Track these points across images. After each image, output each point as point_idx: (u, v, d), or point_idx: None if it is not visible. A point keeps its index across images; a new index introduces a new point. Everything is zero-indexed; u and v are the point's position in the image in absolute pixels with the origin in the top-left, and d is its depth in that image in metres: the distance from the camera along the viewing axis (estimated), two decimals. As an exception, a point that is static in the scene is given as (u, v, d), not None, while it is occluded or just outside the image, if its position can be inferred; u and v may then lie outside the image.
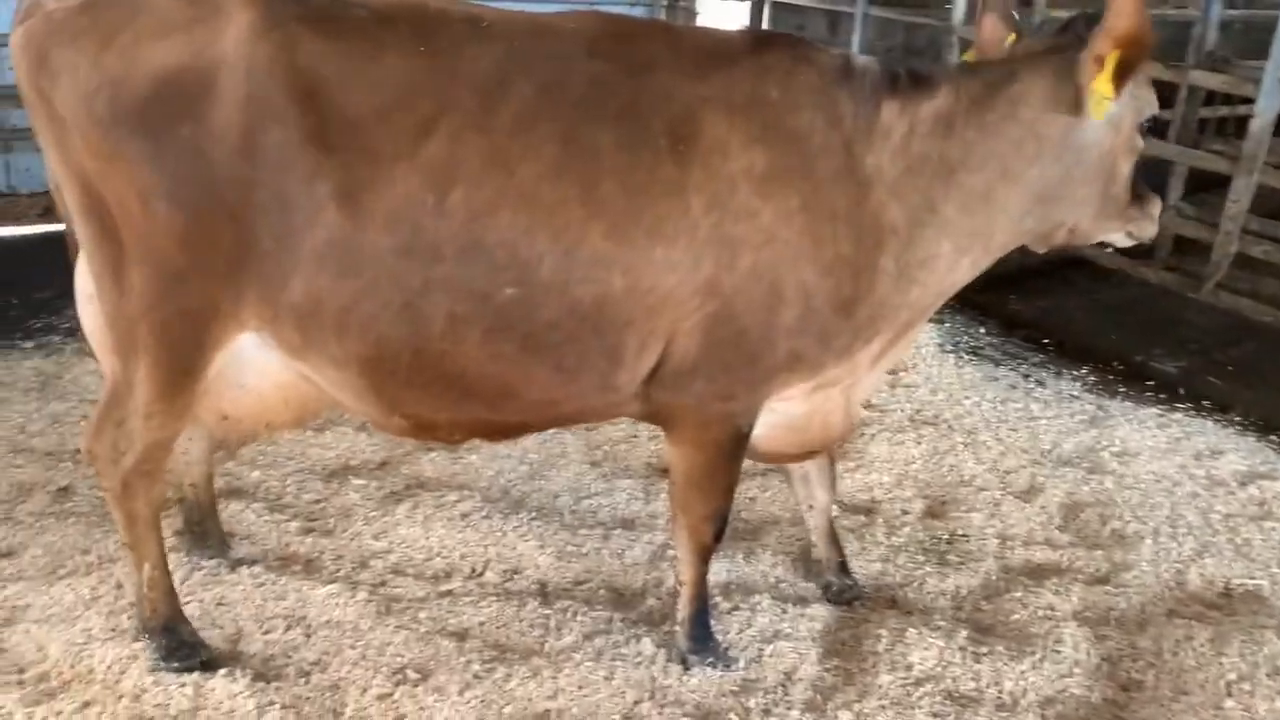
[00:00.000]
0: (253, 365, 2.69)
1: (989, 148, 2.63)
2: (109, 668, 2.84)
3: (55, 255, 5.89)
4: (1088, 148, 2.66)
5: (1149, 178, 7.23)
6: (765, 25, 8.86)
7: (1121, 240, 2.93)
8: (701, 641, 2.97)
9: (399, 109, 2.44)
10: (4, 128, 6.37)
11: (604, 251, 2.48)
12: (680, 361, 2.62)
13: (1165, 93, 6.67)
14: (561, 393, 2.68)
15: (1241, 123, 4.76)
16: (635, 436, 4.32)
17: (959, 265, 2.76)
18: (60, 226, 2.88)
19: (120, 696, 2.74)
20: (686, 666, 2.93)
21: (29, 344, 4.89)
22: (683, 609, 2.96)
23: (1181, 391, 5.18)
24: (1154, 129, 6.40)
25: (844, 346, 2.71)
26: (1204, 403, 5.06)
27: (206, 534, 3.34)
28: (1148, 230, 2.90)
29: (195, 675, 2.78)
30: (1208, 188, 6.02)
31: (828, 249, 2.57)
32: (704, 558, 2.94)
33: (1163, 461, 4.42)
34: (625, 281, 2.50)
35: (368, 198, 2.41)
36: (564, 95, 2.50)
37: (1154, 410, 4.94)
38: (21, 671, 2.84)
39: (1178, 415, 4.89)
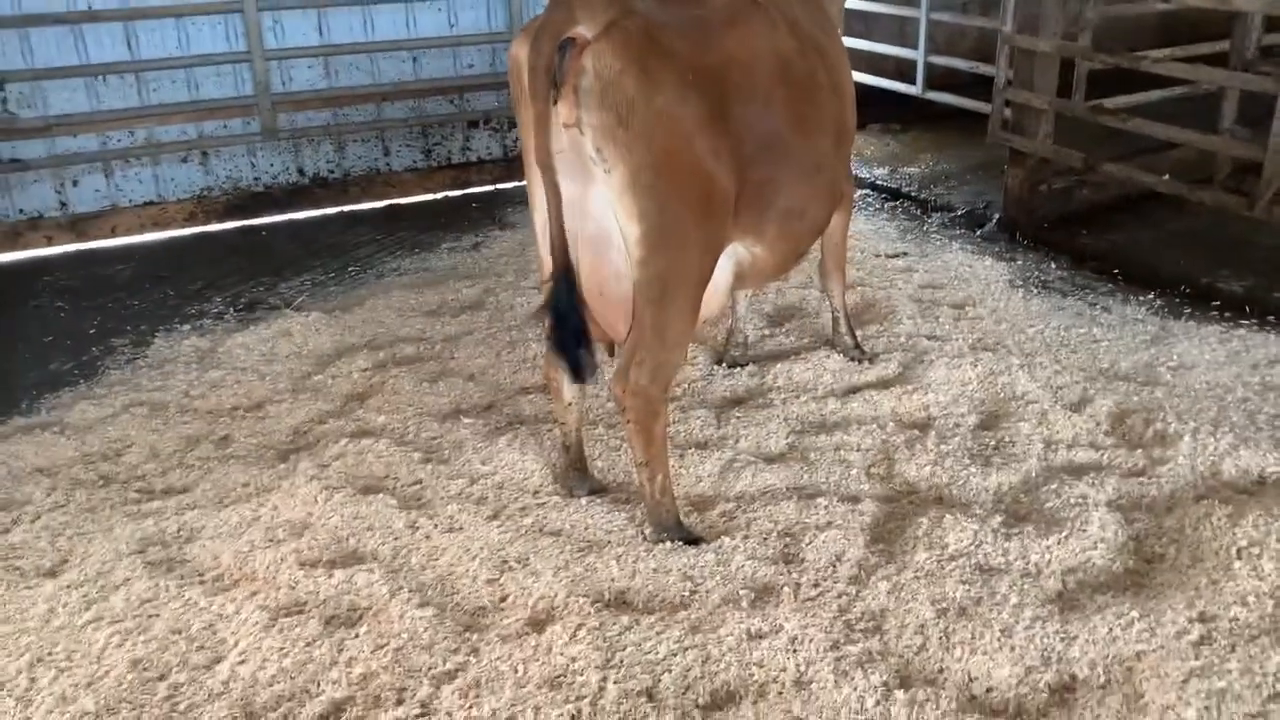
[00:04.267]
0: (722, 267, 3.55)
1: None
2: (268, 568, 3.46)
3: (201, 255, 6.72)
4: None
5: (1205, 108, 7.28)
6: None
7: None
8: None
9: None
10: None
11: None
12: None
13: (1222, 22, 6.77)
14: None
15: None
16: (711, 375, 4.78)
17: None
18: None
19: (279, 588, 3.36)
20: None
21: (185, 327, 5.64)
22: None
23: (1247, 309, 5.34)
24: (1211, 59, 6.54)
25: None
26: (1269, 318, 5.23)
27: (584, 468, 3.93)
28: None
29: (342, 570, 3.38)
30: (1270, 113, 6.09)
31: None
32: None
33: (1219, 372, 4.64)
34: None
35: None
36: None
37: (1216, 328, 5.13)
38: (201, 575, 3.49)
39: (1240, 331, 5.07)
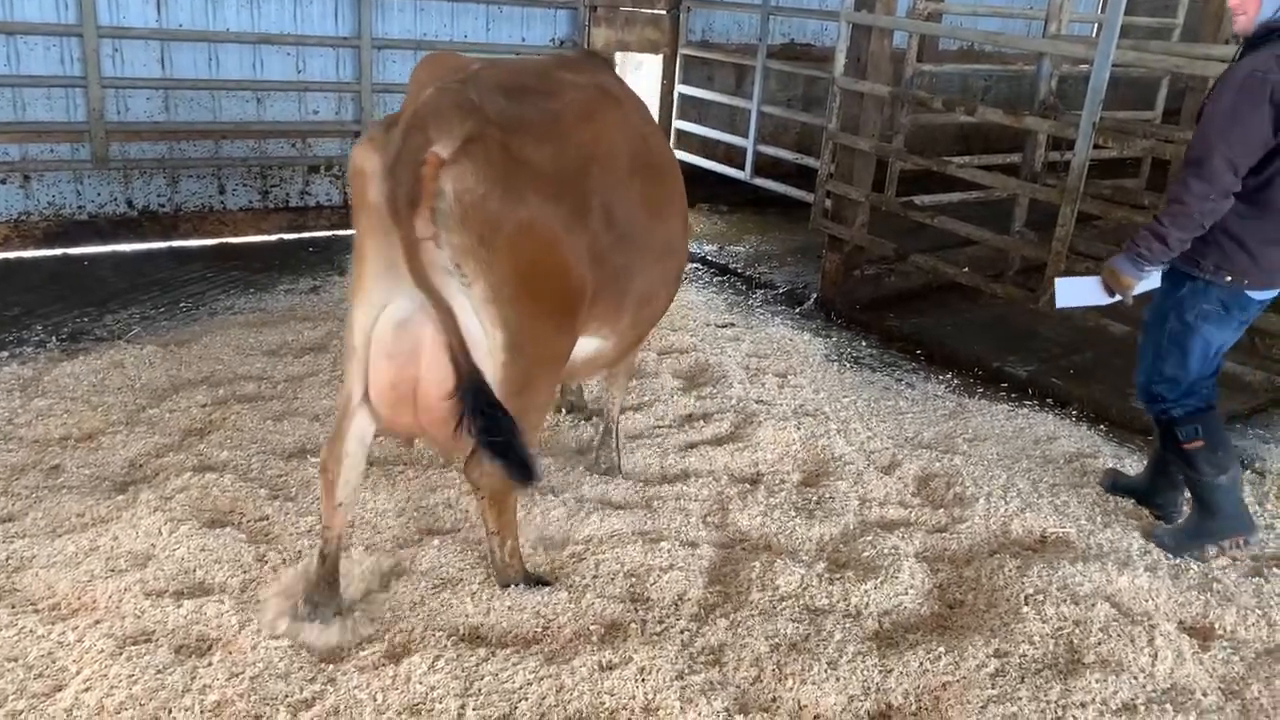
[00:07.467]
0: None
1: None
2: (110, 597, 3.39)
3: (16, 281, 6.42)
4: None
5: (998, 212, 8.10)
6: (679, 75, 9.71)
7: None
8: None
9: None
10: None
11: None
12: None
13: (1012, 137, 7.70)
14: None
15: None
16: (557, 425, 4.98)
17: None
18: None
19: (124, 617, 3.30)
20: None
21: (4, 353, 5.38)
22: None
23: (1030, 391, 6.01)
24: (1004, 169, 7.38)
25: None
26: (1047, 400, 5.90)
27: (335, 583, 3.47)
28: None
29: (191, 600, 3.36)
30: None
31: None
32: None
33: (1007, 445, 5.21)
34: None
35: None
36: None
37: (1005, 406, 5.75)
38: (35, 603, 3.38)
39: (1024, 410, 5.70)
